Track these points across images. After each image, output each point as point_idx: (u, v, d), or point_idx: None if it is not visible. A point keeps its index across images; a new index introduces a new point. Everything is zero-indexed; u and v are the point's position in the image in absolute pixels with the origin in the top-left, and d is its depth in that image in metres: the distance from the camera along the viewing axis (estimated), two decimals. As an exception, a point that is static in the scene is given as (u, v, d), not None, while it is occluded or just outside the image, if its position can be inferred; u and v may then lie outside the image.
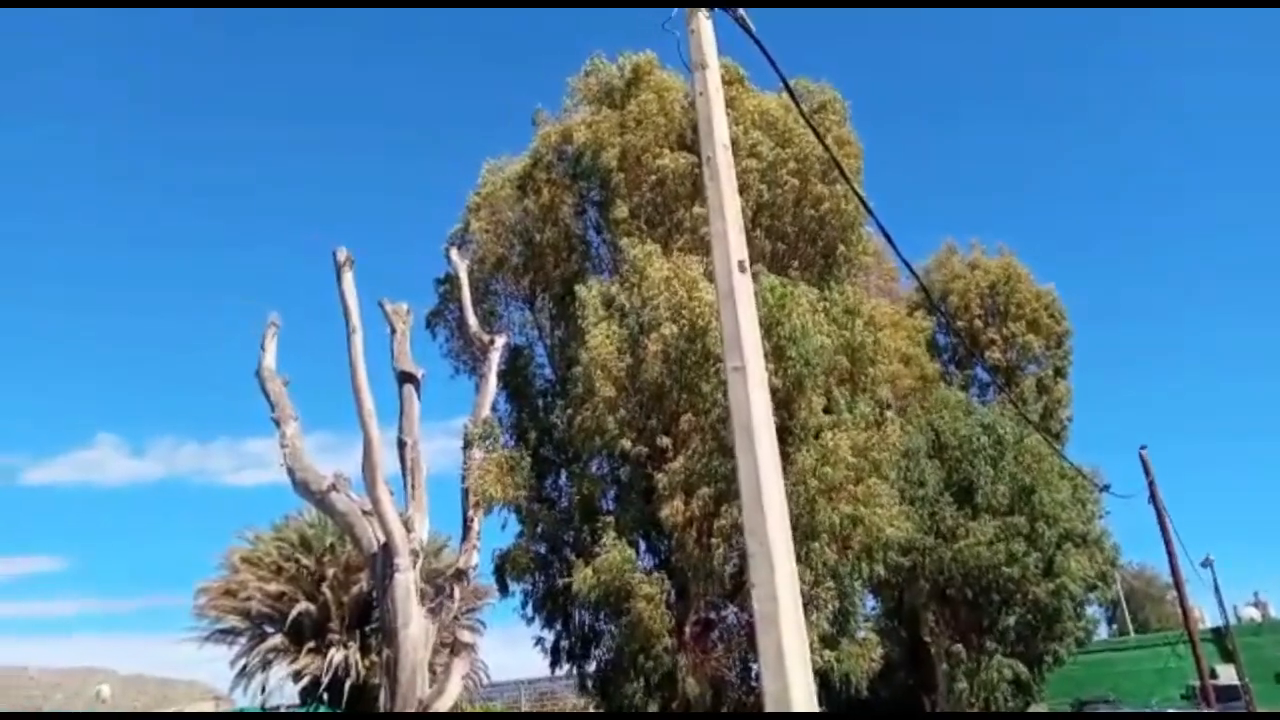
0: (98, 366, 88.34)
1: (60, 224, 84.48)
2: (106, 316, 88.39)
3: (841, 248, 20.16)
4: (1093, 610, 29.60)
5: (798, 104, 12.48)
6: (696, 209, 19.07)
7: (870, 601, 22.08)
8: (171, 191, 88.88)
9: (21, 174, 79.30)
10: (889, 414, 19.10)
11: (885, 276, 27.07)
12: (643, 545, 18.83)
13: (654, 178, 19.40)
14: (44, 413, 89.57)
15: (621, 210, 19.54)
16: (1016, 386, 31.29)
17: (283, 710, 31.72)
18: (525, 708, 36.62)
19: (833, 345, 17.36)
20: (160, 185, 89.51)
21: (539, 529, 19.58)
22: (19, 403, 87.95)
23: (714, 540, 16.95)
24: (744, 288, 7.06)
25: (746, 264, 7.28)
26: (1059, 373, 33.63)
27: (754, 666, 18.41)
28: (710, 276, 17.15)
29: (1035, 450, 24.59)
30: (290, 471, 19.23)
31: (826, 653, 16.29)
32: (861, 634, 18.16)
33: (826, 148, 15.05)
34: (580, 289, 18.91)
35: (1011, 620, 23.82)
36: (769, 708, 6.10)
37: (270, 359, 20.69)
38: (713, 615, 18.51)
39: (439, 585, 19.97)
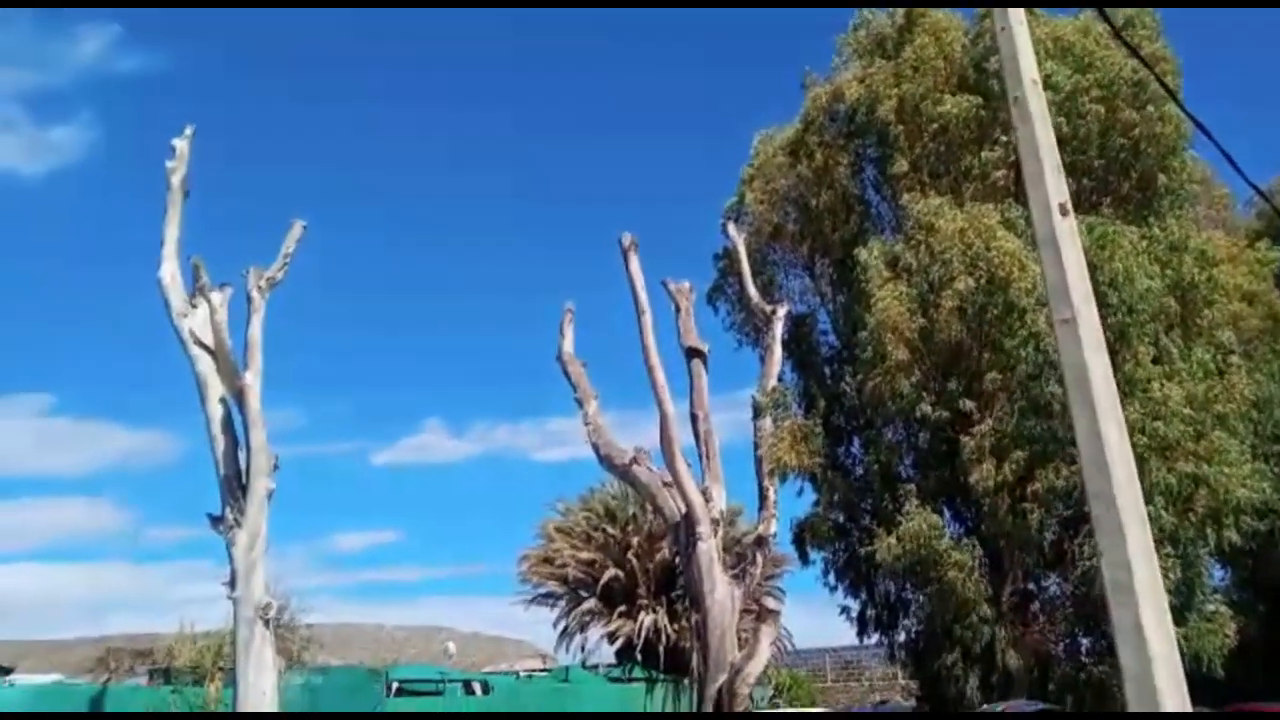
0: (425, 361, 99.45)
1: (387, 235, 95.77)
2: (428, 316, 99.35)
3: (1161, 178, 17.95)
4: None
5: (1109, 20, 11.18)
6: (985, 153, 17.82)
7: (1219, 572, 19.56)
8: (467, 195, 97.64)
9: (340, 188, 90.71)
10: (1233, 360, 16.77)
11: (1216, 205, 23.69)
12: (948, 513, 18.08)
13: (935, 126, 18.34)
14: (385, 404, 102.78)
15: (901, 164, 18.67)
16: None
17: (600, 668, 33.98)
18: (830, 676, 36.59)
19: (1160, 287, 15.55)
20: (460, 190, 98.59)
21: (835, 497, 19.38)
22: (367, 396, 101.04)
23: (1029, 506, 15.90)
24: (1068, 232, 6.46)
25: (1068, 206, 6.66)
26: None
27: (1083, 641, 17.10)
28: (1009, 224, 16.01)
29: None
30: (595, 447, 20.41)
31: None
32: (1211, 608, 16.22)
33: (1144, 62, 13.39)
34: (861, 251, 18.37)
35: (1407, 593, 20.20)
36: (1129, 687, 5.60)
37: (569, 344, 22.03)
38: (1031, 586, 17.40)
39: (740, 553, 20.38)
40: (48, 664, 39.11)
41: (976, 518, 17.17)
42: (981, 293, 15.65)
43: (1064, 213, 6.48)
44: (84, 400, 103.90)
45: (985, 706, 15.83)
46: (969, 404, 16.35)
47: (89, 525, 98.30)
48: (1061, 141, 18.70)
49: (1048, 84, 17.20)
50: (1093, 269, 14.45)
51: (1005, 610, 16.70)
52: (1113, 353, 15.37)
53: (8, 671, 29.83)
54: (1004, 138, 17.28)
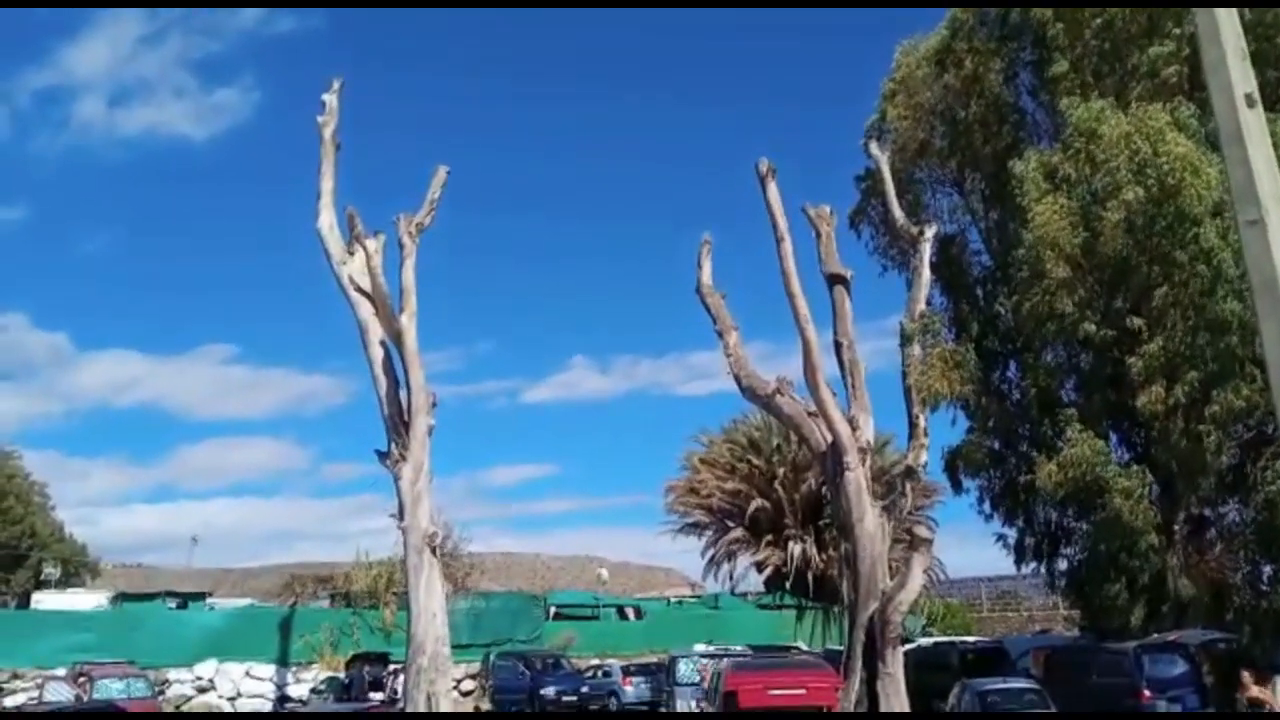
0: (571, 299, 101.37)
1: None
2: (569, 253, 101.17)
3: (1363, 63, 16.02)
4: None
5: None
6: (1154, 49, 16.37)
7: None
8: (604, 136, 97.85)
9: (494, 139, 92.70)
10: None
11: None
12: (1114, 437, 17.18)
13: (1099, 21, 16.94)
14: (534, 343, 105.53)
15: (1061, 65, 17.38)
16: None
17: (749, 596, 34.50)
18: (986, 606, 35.90)
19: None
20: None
21: (990, 423, 18.73)
22: (516, 335, 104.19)
23: (1204, 429, 14.89)
24: (1255, 124, 5.86)
25: (1255, 96, 6.05)
26: None
27: (1265, 569, 16.08)
28: (1180, 125, 14.73)
29: None
30: (737, 379, 20.36)
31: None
32: None
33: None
34: (1016, 163, 17.33)
35: None
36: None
37: (707, 276, 21.90)
38: (1207, 512, 16.39)
39: (889, 482, 20.07)
40: (240, 590, 43.22)
41: (1145, 442, 16.24)
42: (1150, 202, 14.51)
43: (1250, 103, 5.90)
44: (261, 348, 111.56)
45: (1155, 636, 15.16)
46: (1137, 322, 15.33)
47: (273, 463, 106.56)
48: (1244, 28, 16.97)
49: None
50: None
51: (1178, 538, 15.84)
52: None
53: (207, 596, 33.12)
54: (1176, 30, 15.81)
